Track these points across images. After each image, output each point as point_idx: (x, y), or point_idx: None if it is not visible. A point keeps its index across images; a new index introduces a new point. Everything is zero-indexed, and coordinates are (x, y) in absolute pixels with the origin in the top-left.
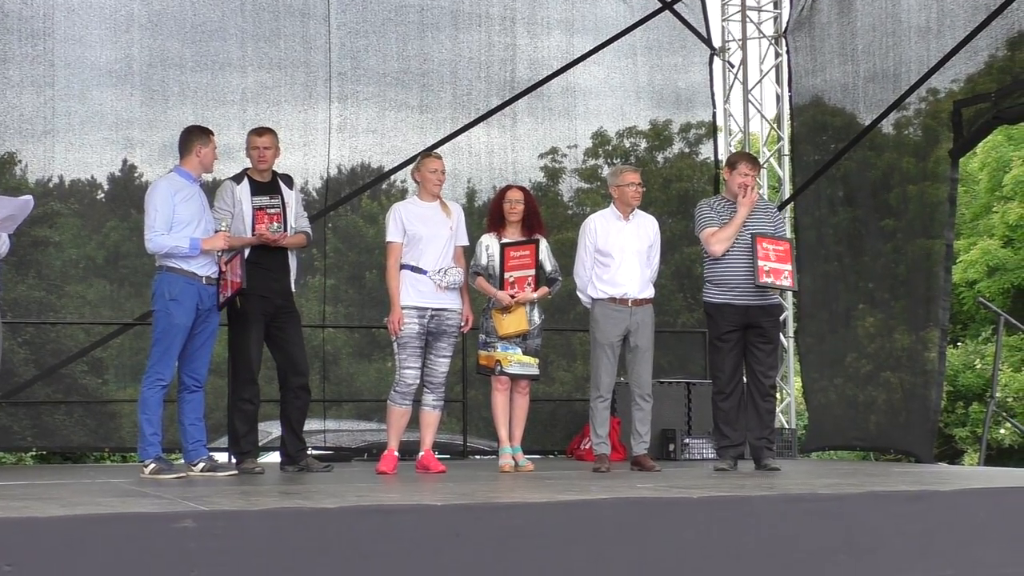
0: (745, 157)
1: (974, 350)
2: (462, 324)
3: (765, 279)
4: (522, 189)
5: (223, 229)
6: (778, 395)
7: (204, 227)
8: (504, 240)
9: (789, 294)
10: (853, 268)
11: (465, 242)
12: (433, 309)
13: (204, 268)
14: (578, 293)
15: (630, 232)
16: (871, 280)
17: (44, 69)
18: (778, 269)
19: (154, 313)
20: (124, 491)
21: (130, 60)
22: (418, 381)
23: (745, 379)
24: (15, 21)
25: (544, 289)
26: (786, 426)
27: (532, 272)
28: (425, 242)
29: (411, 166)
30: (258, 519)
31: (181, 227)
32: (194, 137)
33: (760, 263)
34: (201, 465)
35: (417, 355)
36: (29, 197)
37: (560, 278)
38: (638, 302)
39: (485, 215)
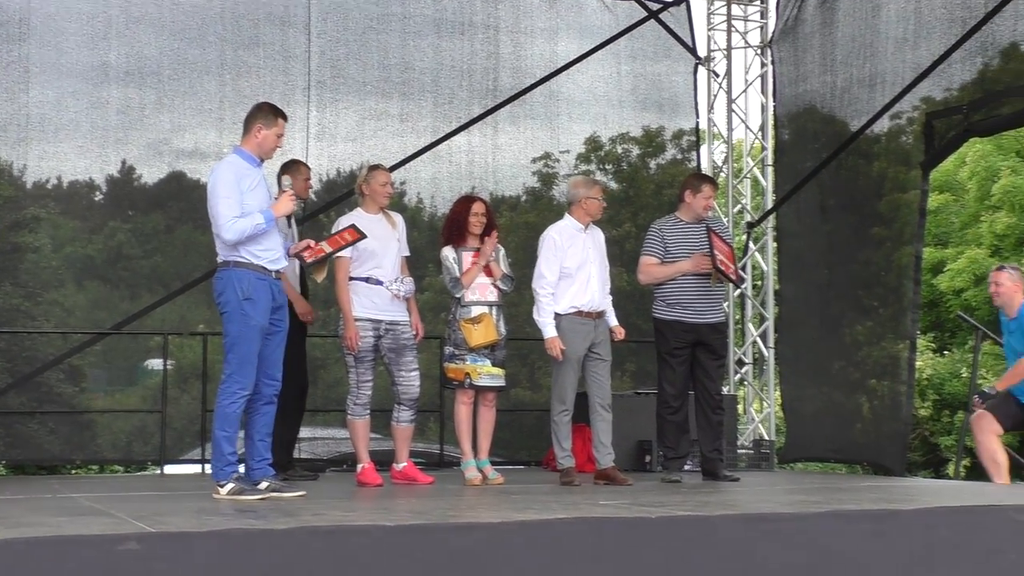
0: (709, 180)
1: (960, 359)
2: (415, 334)
3: (719, 266)
4: (483, 201)
5: None
6: (758, 405)
7: None
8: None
9: (771, 304)
10: (841, 277)
11: (408, 252)
12: (387, 322)
13: (275, 263)
14: (536, 310)
15: (590, 243)
16: (859, 288)
17: (19, 74)
18: (727, 264)
19: (223, 316)
20: (80, 509)
21: (107, 67)
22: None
23: (693, 393)
24: None
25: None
26: (765, 437)
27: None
28: (378, 254)
29: (360, 179)
30: (206, 541)
31: None
32: (259, 115)
33: (716, 253)
34: (265, 485)
35: (373, 367)
36: None
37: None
38: (600, 313)
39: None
